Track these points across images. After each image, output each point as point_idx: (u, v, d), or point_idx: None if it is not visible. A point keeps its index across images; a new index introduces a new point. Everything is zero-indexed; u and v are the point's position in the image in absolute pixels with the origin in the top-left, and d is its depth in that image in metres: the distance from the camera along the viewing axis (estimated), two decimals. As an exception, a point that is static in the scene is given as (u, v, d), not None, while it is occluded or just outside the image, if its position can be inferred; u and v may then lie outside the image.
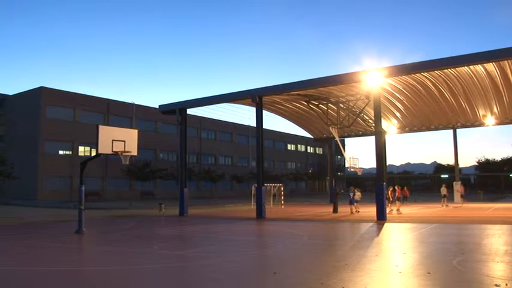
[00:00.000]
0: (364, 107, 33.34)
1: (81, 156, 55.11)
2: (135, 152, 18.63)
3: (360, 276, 8.71)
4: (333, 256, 11.63)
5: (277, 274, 9.08)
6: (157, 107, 33.75)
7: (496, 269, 9.56)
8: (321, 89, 30.02)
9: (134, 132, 19.18)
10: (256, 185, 28.13)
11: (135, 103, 66.59)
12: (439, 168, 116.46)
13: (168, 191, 61.15)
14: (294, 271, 9.58)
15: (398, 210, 28.62)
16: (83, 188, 18.14)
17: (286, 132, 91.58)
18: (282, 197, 39.10)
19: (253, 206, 30.95)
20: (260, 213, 25.92)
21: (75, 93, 59.30)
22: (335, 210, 28.64)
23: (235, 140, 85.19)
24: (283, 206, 37.27)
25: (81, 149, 58.63)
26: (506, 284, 7.77)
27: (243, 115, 77.87)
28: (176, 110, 30.74)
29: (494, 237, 15.16)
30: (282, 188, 40.26)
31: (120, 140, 17.98)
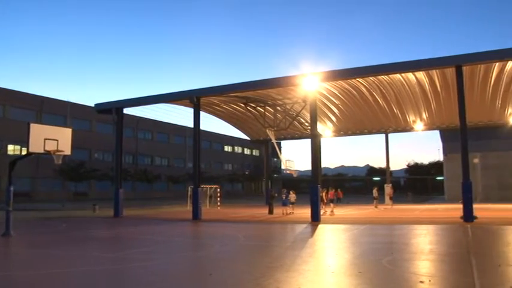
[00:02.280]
0: (301, 110, 33.95)
1: (10, 155, 52.68)
2: (68, 152, 18.08)
3: (294, 276, 8.89)
4: (268, 257, 11.78)
5: (213, 275, 9.10)
6: (93, 105, 32.88)
7: (422, 266, 10.06)
8: (259, 91, 30.32)
9: (68, 131, 18.62)
10: (192, 186, 28.02)
11: (70, 101, 64.66)
12: (371, 171, 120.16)
13: (103, 191, 59.73)
14: (229, 272, 9.64)
15: (332, 211, 29.32)
16: (12, 189, 17.40)
17: (223, 133, 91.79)
18: (219, 199, 39.12)
19: (189, 207, 30.78)
20: (196, 215, 25.83)
21: (5, 88, 56.73)
22: (270, 212, 29.01)
23: (172, 140, 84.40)
24: (219, 208, 37.29)
25: (10, 147, 56.19)
26: (430, 280, 8.21)
27: (181, 116, 77.35)
28: (112, 109, 30.04)
29: (421, 237, 15.88)
30: (219, 190, 40.31)
31: (52, 139, 17.37)
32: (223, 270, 9.91)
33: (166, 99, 30.25)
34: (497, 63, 26.31)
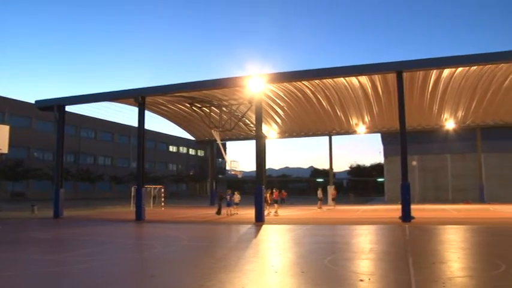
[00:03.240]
0: (246, 112, 34.13)
1: None
2: (5, 150, 17.49)
3: (238, 277, 8.98)
4: (212, 258, 11.80)
5: (155, 277, 9.03)
6: (34, 102, 31.76)
7: (362, 265, 10.40)
8: (205, 91, 30.26)
9: (5, 128, 18.02)
10: (136, 186, 27.63)
11: (9, 97, 62.09)
12: (315, 172, 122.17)
13: (43, 192, 57.75)
14: (172, 273, 9.60)
15: (276, 212, 29.61)
16: None
17: (168, 133, 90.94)
18: (163, 199, 38.73)
19: (132, 208, 30.30)
20: (139, 215, 25.49)
21: None
22: (219, 212, 29.04)
23: (116, 140, 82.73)
24: (163, 208, 36.92)
25: None
26: (369, 279, 8.52)
27: (126, 115, 76.02)
28: (54, 107, 29.13)
29: (362, 237, 16.35)
30: (163, 190, 39.90)
31: (-12, 136, 16.74)
32: (165, 271, 9.83)
33: (111, 97, 29.68)
34: (434, 71, 27.52)
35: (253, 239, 16.79)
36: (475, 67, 27.05)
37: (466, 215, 26.67)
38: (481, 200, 42.02)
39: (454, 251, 12.32)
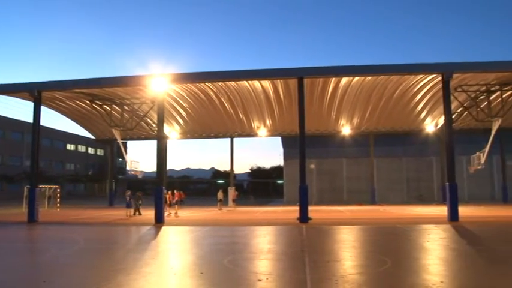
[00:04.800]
0: (149, 111, 33.56)
1: None
2: None
3: (136, 279, 8.82)
4: (109, 260, 11.47)
5: (48, 282, 8.60)
6: None
7: (261, 265, 10.64)
8: (106, 89, 29.38)
9: None
10: (29, 186, 26.13)
11: None
12: (216, 174, 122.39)
13: None
14: (66, 278, 9.21)
15: (176, 213, 29.38)
16: None
17: (66, 131, 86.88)
18: (58, 200, 36.96)
19: (25, 209, 28.60)
20: (32, 217, 24.15)
21: None
22: (138, 213, 28.48)
23: (8, 136, 77.44)
24: (59, 209, 35.26)
25: None
26: (267, 278, 8.75)
27: (19, 110, 71.58)
28: None
29: (261, 238, 16.70)
30: (59, 190, 38.09)
31: None
32: (59, 276, 9.41)
33: (3, 90, 27.76)
34: (333, 79, 28.83)
35: (153, 240, 16.55)
36: (369, 77, 28.73)
37: (358, 216, 28.09)
38: (373, 201, 44.44)
39: (347, 250, 12.98)
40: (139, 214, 28.50)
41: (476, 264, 10.59)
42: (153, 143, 42.13)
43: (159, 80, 24.13)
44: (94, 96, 31.78)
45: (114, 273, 9.41)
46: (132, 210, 28.50)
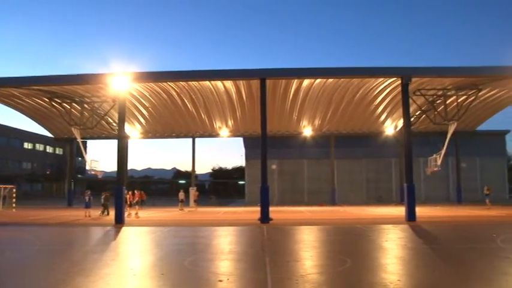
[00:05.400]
0: (109, 110, 33.04)
1: None
2: None
3: (95, 281, 8.71)
4: (68, 262, 11.25)
5: (3, 286, 8.40)
6: None
7: (221, 266, 10.66)
8: (66, 87, 28.81)
9: None
10: (-18, 185, 25.36)
11: None
12: (178, 174, 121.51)
13: None
14: (21, 281, 8.99)
15: (136, 213, 29.06)
16: None
17: (23, 129, 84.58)
18: (14, 200, 35.94)
19: (-23, 209, 27.72)
20: (-15, 217, 23.42)
21: None
22: (106, 213, 27.99)
23: (-40, 134, 74.90)
24: (14, 210, 34.28)
25: None
26: (228, 279, 8.79)
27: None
28: None
29: (222, 238, 16.73)
30: (14, 190, 37.03)
31: None
32: (14, 279, 9.17)
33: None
34: (295, 80, 29.11)
35: (112, 241, 16.33)
36: (331, 80, 29.14)
37: (319, 216, 28.40)
38: (333, 202, 45.03)
39: (308, 250, 13.15)
40: (107, 214, 28.03)
41: (432, 263, 10.90)
42: (114, 142, 41.56)
43: (120, 79, 23.81)
44: (53, 94, 31.08)
45: (72, 275, 9.26)
46: (90, 211, 27.96)
